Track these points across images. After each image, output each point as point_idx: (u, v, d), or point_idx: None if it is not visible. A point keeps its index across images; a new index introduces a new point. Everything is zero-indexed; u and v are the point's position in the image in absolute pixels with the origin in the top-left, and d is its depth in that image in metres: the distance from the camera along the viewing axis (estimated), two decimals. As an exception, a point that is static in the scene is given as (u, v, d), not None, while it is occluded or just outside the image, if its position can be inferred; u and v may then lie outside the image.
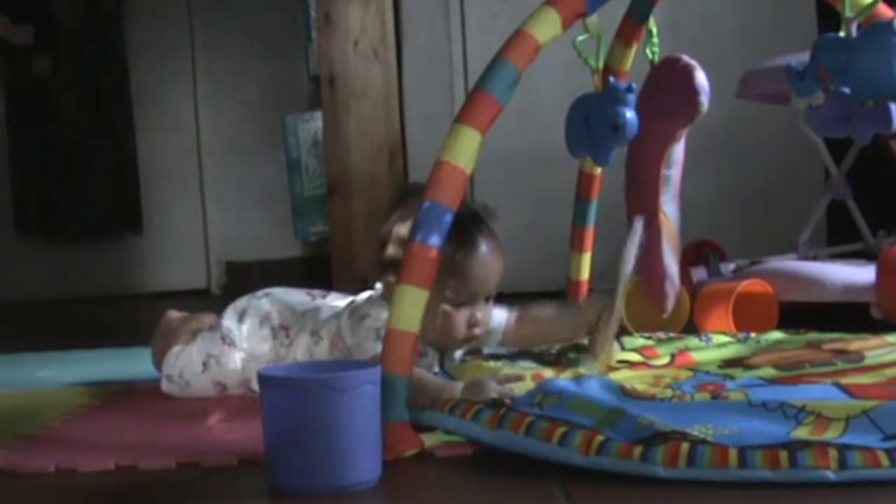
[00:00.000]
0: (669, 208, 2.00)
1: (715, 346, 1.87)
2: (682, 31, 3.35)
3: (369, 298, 1.75)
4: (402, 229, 1.68)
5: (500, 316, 1.83)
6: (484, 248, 1.68)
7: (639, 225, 1.75)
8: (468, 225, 1.66)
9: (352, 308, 1.75)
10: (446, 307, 1.68)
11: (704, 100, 1.83)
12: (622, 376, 1.66)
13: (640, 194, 2.01)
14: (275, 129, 4.05)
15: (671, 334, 1.99)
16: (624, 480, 1.21)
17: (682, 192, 2.06)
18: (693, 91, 1.83)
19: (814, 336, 1.90)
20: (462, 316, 1.69)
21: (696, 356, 1.80)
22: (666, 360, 1.78)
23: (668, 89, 1.86)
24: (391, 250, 1.72)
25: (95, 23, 4.41)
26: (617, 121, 1.64)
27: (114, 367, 2.26)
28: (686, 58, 1.88)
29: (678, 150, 1.97)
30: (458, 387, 1.52)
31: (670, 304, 2.03)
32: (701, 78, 1.84)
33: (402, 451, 1.35)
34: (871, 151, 2.60)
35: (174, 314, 2.01)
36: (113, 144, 4.44)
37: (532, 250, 3.22)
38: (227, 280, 4.47)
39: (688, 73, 1.84)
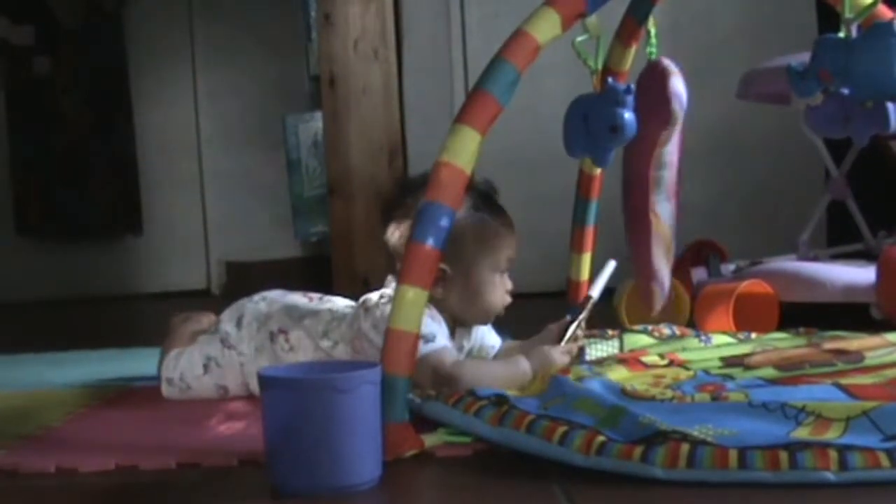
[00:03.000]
0: (662, 209, 2.00)
1: (714, 346, 1.87)
2: (682, 31, 3.36)
3: (382, 297, 1.74)
4: (390, 232, 1.74)
5: (496, 339, 1.86)
6: (507, 214, 1.79)
7: (611, 265, 1.79)
8: (490, 196, 1.76)
9: (367, 307, 1.74)
10: (495, 277, 1.74)
11: (678, 107, 1.83)
12: (621, 376, 1.65)
13: (632, 195, 2.01)
14: (275, 129, 4.06)
15: (674, 328, 1.99)
16: (624, 481, 1.21)
17: (679, 194, 2.06)
18: (665, 98, 1.83)
19: (814, 336, 1.90)
20: (502, 284, 1.75)
21: (693, 356, 1.79)
22: (665, 361, 1.77)
23: (647, 94, 1.86)
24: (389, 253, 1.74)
25: (95, 23, 4.41)
26: (615, 122, 1.64)
27: (114, 367, 2.26)
28: (665, 62, 1.88)
29: (671, 152, 1.97)
30: (522, 361, 1.63)
31: (658, 304, 2.03)
32: (675, 84, 1.83)
33: (403, 451, 1.35)
34: (870, 152, 2.60)
35: (177, 317, 2.01)
36: (113, 144, 4.44)
37: (532, 250, 3.21)
38: (227, 280, 4.48)
39: (663, 78, 1.84)
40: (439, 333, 1.64)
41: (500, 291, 1.75)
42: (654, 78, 1.86)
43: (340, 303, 1.85)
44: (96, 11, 4.41)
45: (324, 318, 1.79)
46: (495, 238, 1.74)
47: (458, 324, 1.77)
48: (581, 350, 1.80)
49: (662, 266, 2.01)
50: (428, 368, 1.58)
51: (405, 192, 1.76)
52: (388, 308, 1.68)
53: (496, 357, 1.84)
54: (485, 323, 1.81)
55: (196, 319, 1.97)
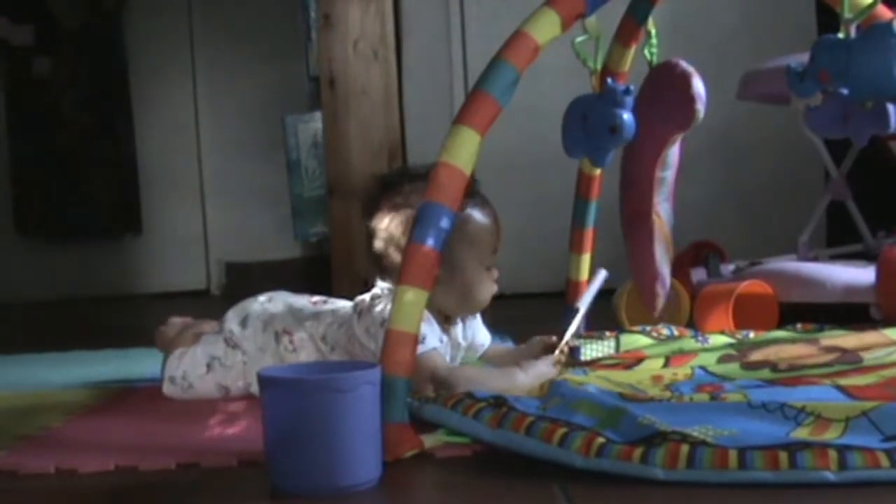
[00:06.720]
0: (663, 209, 2.00)
1: (711, 347, 1.87)
2: (681, 31, 3.35)
3: (373, 298, 1.74)
4: (387, 222, 1.72)
5: (487, 337, 1.87)
6: (490, 204, 1.78)
7: (601, 275, 1.77)
8: (473, 188, 1.73)
9: (360, 311, 1.74)
10: (482, 272, 1.74)
11: (700, 107, 1.83)
12: (619, 377, 1.65)
13: (634, 195, 2.01)
14: (275, 129, 4.06)
15: (672, 328, 1.99)
16: (624, 481, 1.21)
17: (676, 194, 2.06)
18: (690, 99, 1.83)
19: (811, 332, 1.90)
20: (490, 276, 1.75)
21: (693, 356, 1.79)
22: (660, 362, 1.77)
23: (664, 95, 1.86)
24: (378, 245, 1.74)
25: (95, 23, 4.41)
26: (614, 122, 1.64)
27: (114, 367, 2.26)
28: (684, 64, 1.88)
29: (673, 153, 1.97)
30: (518, 374, 1.62)
31: (660, 304, 2.03)
32: (698, 85, 1.83)
33: (402, 451, 1.35)
34: (870, 152, 2.61)
35: (172, 322, 2.00)
36: (113, 144, 4.44)
37: (532, 251, 3.22)
38: (226, 281, 4.48)
39: (685, 80, 1.84)
40: (430, 334, 1.64)
41: (487, 284, 1.75)
42: (673, 79, 1.85)
43: (343, 305, 1.84)
44: (96, 11, 4.41)
45: (325, 320, 1.79)
46: (480, 233, 1.74)
47: (448, 318, 1.77)
48: (572, 350, 1.80)
49: (664, 267, 2.01)
50: (422, 372, 1.58)
51: (397, 180, 1.77)
52: (377, 310, 1.69)
53: (482, 357, 1.84)
54: (474, 314, 1.82)
55: (198, 324, 1.97)
